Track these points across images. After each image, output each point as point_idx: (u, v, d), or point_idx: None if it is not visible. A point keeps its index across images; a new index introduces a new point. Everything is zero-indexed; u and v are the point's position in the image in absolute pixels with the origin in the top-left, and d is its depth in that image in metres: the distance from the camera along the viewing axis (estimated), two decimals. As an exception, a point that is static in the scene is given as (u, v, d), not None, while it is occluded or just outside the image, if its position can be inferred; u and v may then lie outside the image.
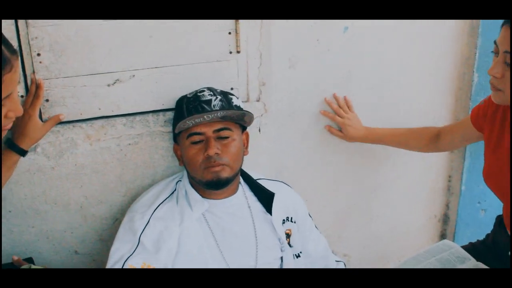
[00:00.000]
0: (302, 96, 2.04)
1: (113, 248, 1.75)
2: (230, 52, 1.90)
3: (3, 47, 1.26)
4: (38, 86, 1.76)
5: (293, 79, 2.00)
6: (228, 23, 1.86)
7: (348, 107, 2.09)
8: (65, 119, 1.81)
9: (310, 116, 2.09)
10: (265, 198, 1.88)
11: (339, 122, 2.08)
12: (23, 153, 1.77)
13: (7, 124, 1.37)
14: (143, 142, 1.92)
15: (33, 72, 1.75)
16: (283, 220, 1.90)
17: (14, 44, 1.71)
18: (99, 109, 1.86)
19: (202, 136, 1.74)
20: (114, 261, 1.71)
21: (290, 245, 1.91)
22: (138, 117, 1.90)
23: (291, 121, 2.05)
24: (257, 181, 1.92)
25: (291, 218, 1.92)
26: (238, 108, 1.79)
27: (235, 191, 1.85)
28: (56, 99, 1.81)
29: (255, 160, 2.04)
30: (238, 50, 1.90)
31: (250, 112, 1.78)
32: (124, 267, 1.69)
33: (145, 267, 1.71)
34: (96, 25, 1.75)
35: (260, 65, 1.94)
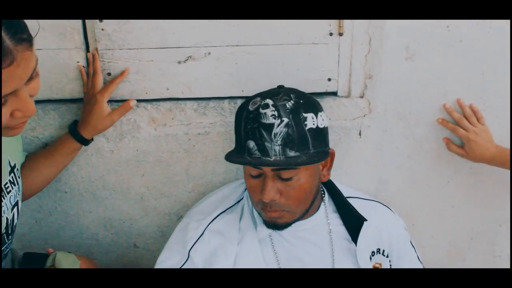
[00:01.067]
0: (417, 97, 1.59)
1: (161, 256, 1.49)
2: (331, 34, 1.50)
3: (4, 35, 1.01)
4: (93, 59, 1.52)
5: (409, 75, 1.55)
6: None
7: (477, 119, 1.60)
8: (134, 105, 1.56)
9: (426, 122, 1.62)
10: (353, 223, 1.49)
11: (461, 135, 1.60)
12: (84, 142, 1.56)
13: (17, 125, 1.13)
14: (216, 132, 1.61)
15: (95, 41, 1.51)
16: (372, 252, 1.51)
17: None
18: (167, 89, 1.57)
19: (261, 170, 1.36)
20: (158, 272, 1.46)
21: (379, 281, 1.52)
22: (211, 103, 1.59)
23: (401, 126, 1.61)
24: (348, 199, 1.54)
25: (383, 251, 1.52)
26: (312, 132, 1.34)
27: (314, 211, 1.49)
28: (118, 73, 1.55)
29: (351, 169, 1.65)
30: (341, 31, 1.49)
31: (305, 160, 1.31)
32: (166, 283, 1.43)
33: (190, 287, 1.43)
34: (168, -10, 1.45)
35: (368, 52, 1.52)
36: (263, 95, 1.36)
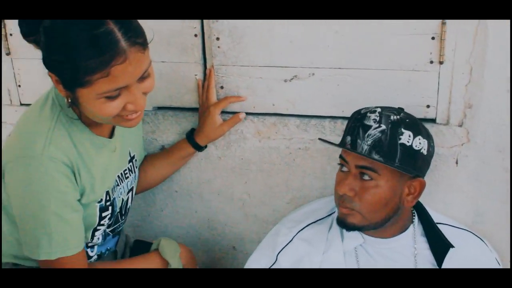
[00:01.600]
0: (518, 130, 1.57)
1: (251, 257, 1.61)
2: (431, 62, 1.54)
3: (120, 37, 1.20)
4: (208, 74, 1.69)
5: (510, 106, 1.54)
6: (432, 25, 1.49)
7: None
8: (243, 118, 1.71)
9: (527, 156, 1.60)
10: (439, 248, 1.51)
11: None
12: (198, 148, 1.74)
13: (128, 116, 1.32)
14: (315, 149, 1.70)
15: (212, 57, 1.68)
16: (459, 280, 1.51)
17: (197, 25, 1.66)
18: (273, 105, 1.70)
19: (347, 165, 1.44)
20: (247, 272, 1.58)
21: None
22: (313, 121, 1.68)
23: (500, 158, 1.59)
24: (438, 225, 1.55)
25: (471, 281, 1.52)
26: (404, 148, 1.39)
27: (400, 230, 1.52)
28: (230, 88, 1.70)
29: (446, 197, 1.65)
30: (442, 60, 1.52)
31: (392, 163, 1.37)
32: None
33: None
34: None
35: (468, 82, 1.54)
36: (381, 107, 1.46)
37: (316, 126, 1.68)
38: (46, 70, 1.31)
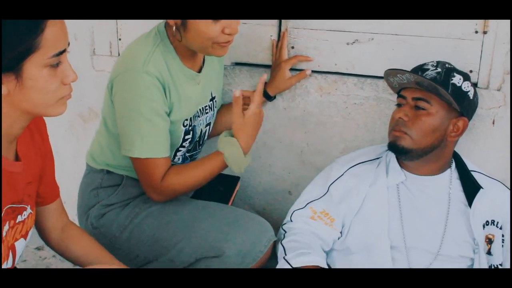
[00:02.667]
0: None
1: (306, 189, 1.87)
2: (476, 32, 1.79)
3: None
4: (282, 36, 1.97)
5: (545, 74, 1.77)
6: (478, -1, 1.75)
7: None
8: (309, 74, 1.99)
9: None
10: (470, 189, 1.74)
11: None
12: (269, 97, 2.02)
13: (223, 43, 1.62)
14: (369, 105, 1.97)
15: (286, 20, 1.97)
16: (486, 221, 1.72)
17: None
18: (335, 64, 1.97)
19: (404, 100, 1.72)
20: (301, 201, 1.84)
21: (490, 253, 1.73)
22: (368, 80, 1.95)
23: (533, 120, 1.82)
24: (472, 172, 1.79)
25: (497, 223, 1.73)
26: (454, 87, 1.67)
27: (438, 171, 1.76)
28: (300, 48, 1.99)
29: (482, 155, 1.89)
30: (485, 30, 1.77)
31: (445, 91, 1.63)
32: (305, 208, 1.81)
33: (323, 213, 1.79)
34: (348, -15, 1.87)
35: (508, 50, 1.78)
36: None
37: (371, 85, 1.95)
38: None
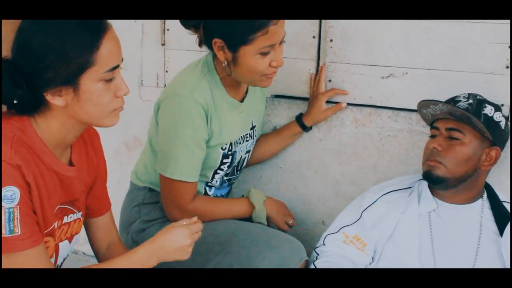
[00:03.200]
0: None
1: (339, 216, 1.92)
2: (507, 67, 1.86)
3: None
4: (320, 70, 2.08)
5: None
6: (508, 35, 1.82)
7: None
8: (344, 107, 2.08)
9: None
10: (502, 219, 1.76)
11: None
12: (304, 128, 2.11)
13: (270, 74, 1.76)
14: (403, 137, 2.03)
15: (325, 55, 2.08)
16: (518, 251, 1.74)
17: (315, 29, 2.07)
18: (370, 97, 2.06)
19: (437, 131, 1.78)
20: (334, 226, 1.89)
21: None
22: (402, 113, 2.02)
23: None
24: (504, 202, 1.82)
25: (530, 252, 1.75)
26: (486, 118, 1.73)
27: (470, 200, 1.80)
28: (337, 81, 2.09)
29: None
30: (516, 65, 1.84)
31: (477, 120, 1.69)
32: (338, 233, 1.85)
33: (356, 238, 1.83)
34: (382, 22, 1.97)
35: (538, 84, 1.84)
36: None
37: (405, 118, 2.02)
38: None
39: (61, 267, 1.58)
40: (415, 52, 1.96)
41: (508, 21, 1.80)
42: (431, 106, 1.78)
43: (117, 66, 1.39)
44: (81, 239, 2.63)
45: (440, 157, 1.74)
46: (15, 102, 1.33)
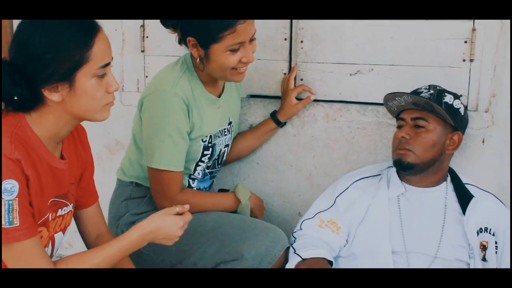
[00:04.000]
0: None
1: (314, 202, 2.06)
2: (464, 60, 2.02)
3: None
4: (292, 69, 2.22)
5: (526, 95, 1.99)
6: (464, 31, 2.00)
7: None
8: (312, 99, 2.22)
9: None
10: (464, 199, 1.92)
11: None
12: (279, 123, 2.24)
13: (241, 69, 1.87)
14: (371, 129, 2.18)
15: (296, 55, 2.22)
16: (480, 229, 1.89)
17: (287, 32, 2.21)
18: (340, 93, 2.20)
19: (404, 121, 1.92)
20: (310, 212, 2.02)
21: (485, 259, 1.88)
22: (370, 107, 2.17)
23: (519, 138, 2.02)
24: (465, 185, 1.97)
25: (490, 229, 1.89)
26: (447, 105, 1.89)
27: (435, 183, 1.95)
28: (308, 80, 2.23)
29: (474, 171, 2.07)
30: (472, 59, 2.01)
31: (439, 107, 1.85)
32: (314, 218, 1.98)
33: (330, 222, 1.96)
34: (349, 23, 2.13)
35: (493, 76, 2.01)
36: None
37: (372, 111, 2.17)
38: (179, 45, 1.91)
39: (55, 257, 1.67)
40: (380, 50, 2.12)
41: (463, 20, 1.98)
42: (397, 98, 1.93)
43: (109, 63, 1.50)
44: (65, 243, 2.71)
45: (409, 145, 1.89)
46: (15, 98, 1.43)
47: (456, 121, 1.90)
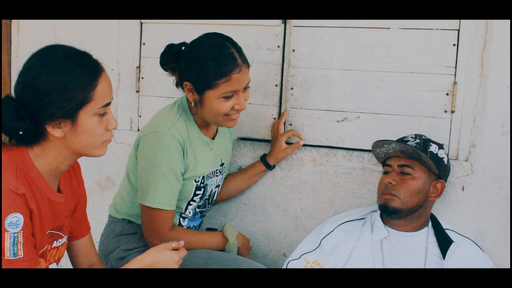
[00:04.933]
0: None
1: (300, 244, 2.11)
2: (445, 111, 2.13)
3: (237, 56, 1.85)
4: (282, 114, 2.31)
5: (504, 147, 2.09)
6: (446, 84, 2.11)
7: None
8: (301, 144, 2.31)
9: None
10: (444, 243, 1.99)
11: None
12: (269, 166, 2.32)
13: (233, 116, 1.96)
14: (356, 174, 2.26)
15: (286, 101, 2.31)
16: (459, 272, 1.96)
17: (278, 78, 2.32)
18: (327, 139, 2.29)
19: (390, 168, 2.01)
20: (296, 253, 2.07)
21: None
22: (355, 153, 2.26)
23: (496, 187, 2.11)
24: (446, 230, 2.05)
25: (469, 274, 1.97)
26: (432, 154, 1.98)
27: (418, 228, 2.02)
28: (297, 125, 2.32)
29: (454, 217, 2.16)
30: (453, 110, 2.12)
31: (426, 156, 1.93)
32: (299, 259, 2.04)
33: (316, 263, 2.02)
34: (337, 73, 2.24)
35: (472, 127, 2.11)
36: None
37: (358, 157, 2.26)
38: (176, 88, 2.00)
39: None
40: (366, 99, 2.22)
41: (446, 72, 2.10)
42: (385, 146, 2.02)
43: (109, 103, 1.58)
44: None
45: (395, 191, 1.97)
46: (20, 133, 1.50)
47: (440, 170, 1.99)
